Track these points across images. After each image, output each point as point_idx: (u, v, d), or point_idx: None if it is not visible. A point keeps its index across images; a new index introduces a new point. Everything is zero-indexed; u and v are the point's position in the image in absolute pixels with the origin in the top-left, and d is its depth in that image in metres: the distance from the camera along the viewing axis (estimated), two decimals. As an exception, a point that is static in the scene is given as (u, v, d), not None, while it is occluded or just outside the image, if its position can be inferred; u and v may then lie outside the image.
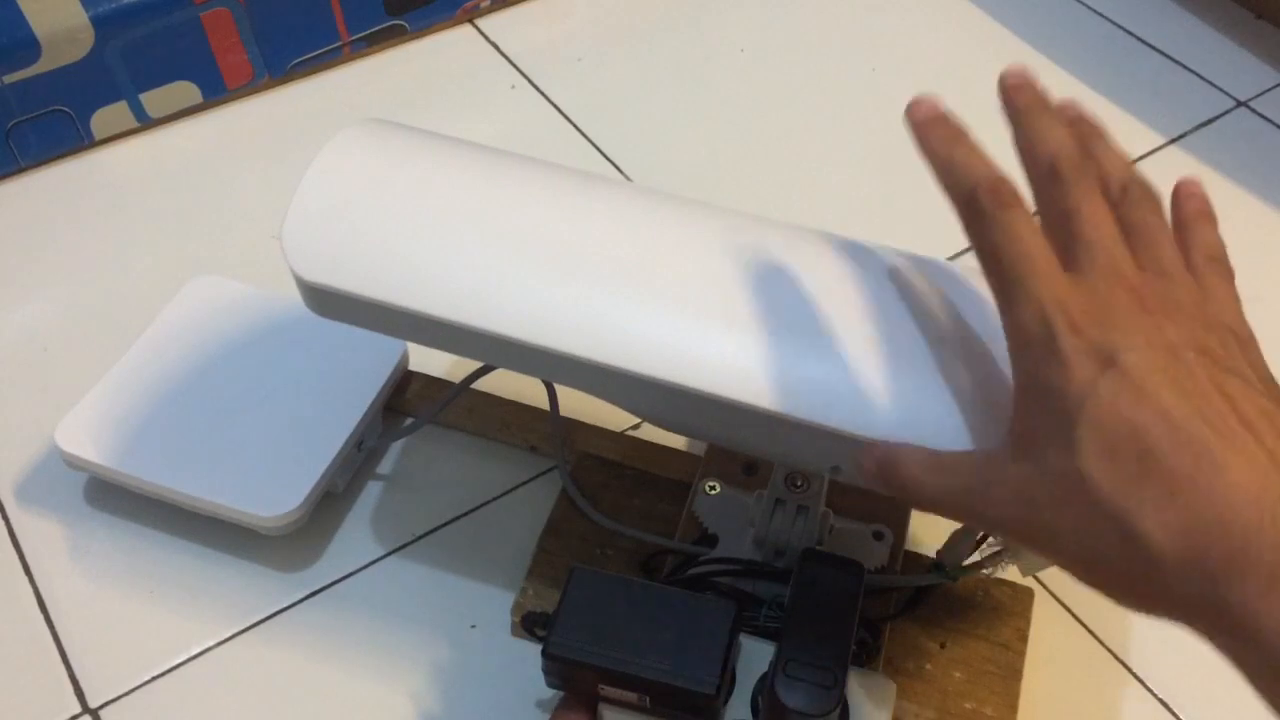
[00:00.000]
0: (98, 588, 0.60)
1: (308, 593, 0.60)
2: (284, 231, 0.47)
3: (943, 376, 0.43)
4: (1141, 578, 0.34)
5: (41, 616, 0.60)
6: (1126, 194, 0.39)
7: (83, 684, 0.57)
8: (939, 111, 0.41)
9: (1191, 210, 0.41)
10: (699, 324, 0.44)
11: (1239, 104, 0.87)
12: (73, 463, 0.61)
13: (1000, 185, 0.38)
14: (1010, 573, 0.55)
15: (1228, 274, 0.40)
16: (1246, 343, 0.37)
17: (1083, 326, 0.35)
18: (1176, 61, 0.90)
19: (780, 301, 0.45)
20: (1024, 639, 0.56)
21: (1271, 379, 0.36)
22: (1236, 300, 0.39)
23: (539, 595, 0.57)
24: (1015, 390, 0.37)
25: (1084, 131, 0.41)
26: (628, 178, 0.82)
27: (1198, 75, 0.89)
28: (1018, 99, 0.42)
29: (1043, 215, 0.39)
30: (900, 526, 0.58)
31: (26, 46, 0.76)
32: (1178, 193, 0.42)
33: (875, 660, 0.53)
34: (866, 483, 0.42)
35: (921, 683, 0.54)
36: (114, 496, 0.63)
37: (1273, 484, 0.32)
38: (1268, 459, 0.33)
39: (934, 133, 0.41)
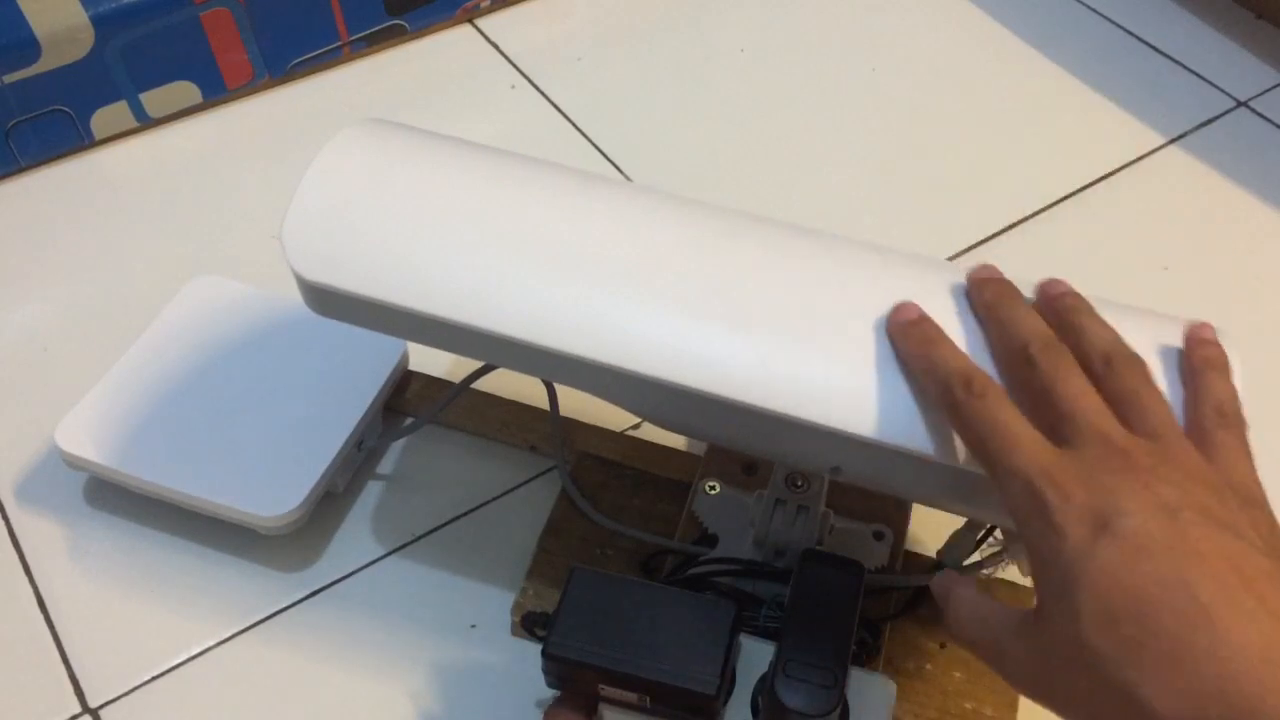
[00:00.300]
0: (98, 588, 0.60)
1: (308, 593, 0.60)
2: (284, 231, 0.47)
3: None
4: None
5: (41, 616, 0.60)
6: (1110, 365, 0.39)
7: (83, 684, 0.57)
8: (917, 314, 0.43)
9: (1202, 358, 0.41)
10: (699, 324, 0.44)
11: (1239, 104, 0.87)
12: (73, 463, 0.61)
13: (974, 375, 0.40)
14: (1010, 572, 0.55)
15: (1238, 428, 0.39)
16: (1253, 500, 0.37)
17: (1073, 493, 0.35)
18: (1176, 61, 0.90)
19: (780, 301, 0.45)
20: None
21: (1278, 538, 0.36)
22: (1247, 456, 0.38)
23: (539, 595, 0.57)
24: (1029, 562, 0.37)
25: (1065, 306, 0.42)
26: (628, 178, 0.82)
27: (1198, 75, 0.89)
28: (984, 293, 0.43)
29: (1027, 400, 0.39)
30: (900, 526, 0.58)
31: (26, 46, 0.76)
32: (1189, 339, 0.42)
33: (875, 660, 0.53)
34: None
35: (921, 683, 0.54)
36: (114, 496, 0.63)
37: (1276, 647, 0.32)
38: (1270, 620, 0.32)
39: (912, 334, 0.42)
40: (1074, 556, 0.34)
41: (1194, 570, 0.33)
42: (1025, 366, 0.40)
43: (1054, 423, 0.38)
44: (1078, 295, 0.42)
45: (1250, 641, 0.32)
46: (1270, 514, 0.37)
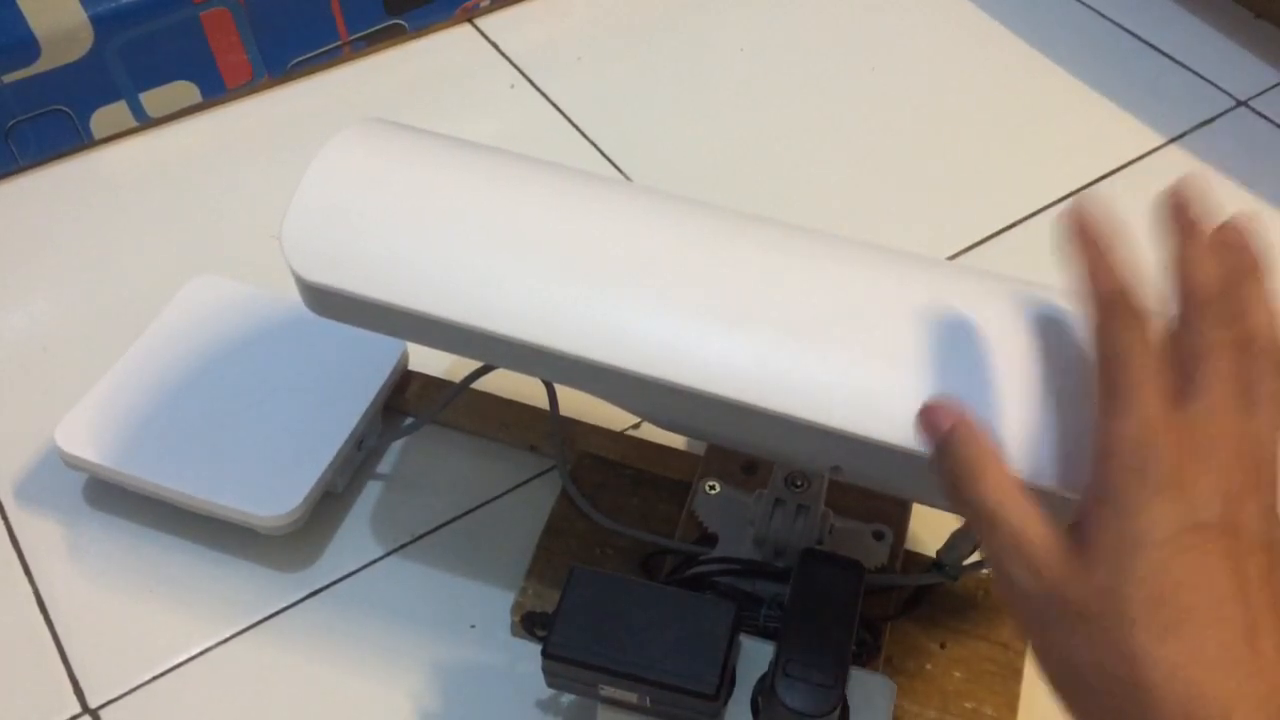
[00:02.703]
0: (98, 588, 0.60)
1: (308, 593, 0.60)
2: (283, 231, 0.47)
3: (943, 377, 0.43)
4: None
5: (41, 616, 0.60)
6: (1260, 352, 0.38)
7: (83, 684, 0.57)
8: (1098, 216, 0.41)
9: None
10: (699, 324, 0.44)
11: (1239, 104, 0.87)
12: (73, 463, 0.61)
13: (1142, 300, 0.39)
14: (1010, 573, 0.55)
15: None
16: None
17: (1178, 465, 0.36)
18: (1176, 61, 0.90)
19: (780, 300, 0.45)
20: (1024, 639, 0.56)
21: None
22: None
23: (539, 595, 0.57)
24: (1088, 492, 0.37)
25: (1241, 264, 0.40)
26: (627, 177, 0.82)
27: (1198, 75, 0.89)
28: (1181, 218, 0.41)
29: (1176, 339, 0.39)
30: (900, 526, 0.58)
31: (26, 46, 0.76)
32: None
33: (875, 660, 0.53)
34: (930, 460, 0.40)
35: (921, 683, 0.54)
36: (114, 496, 0.63)
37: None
38: (1261, 684, 0.33)
39: (1090, 236, 0.41)
40: (1152, 524, 0.35)
41: (1245, 597, 0.34)
42: (1194, 314, 0.39)
43: (1185, 376, 0.37)
44: (1256, 255, 0.41)
45: (1267, 680, 0.33)
46: None
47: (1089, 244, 0.41)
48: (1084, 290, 0.40)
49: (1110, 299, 0.39)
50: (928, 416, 0.40)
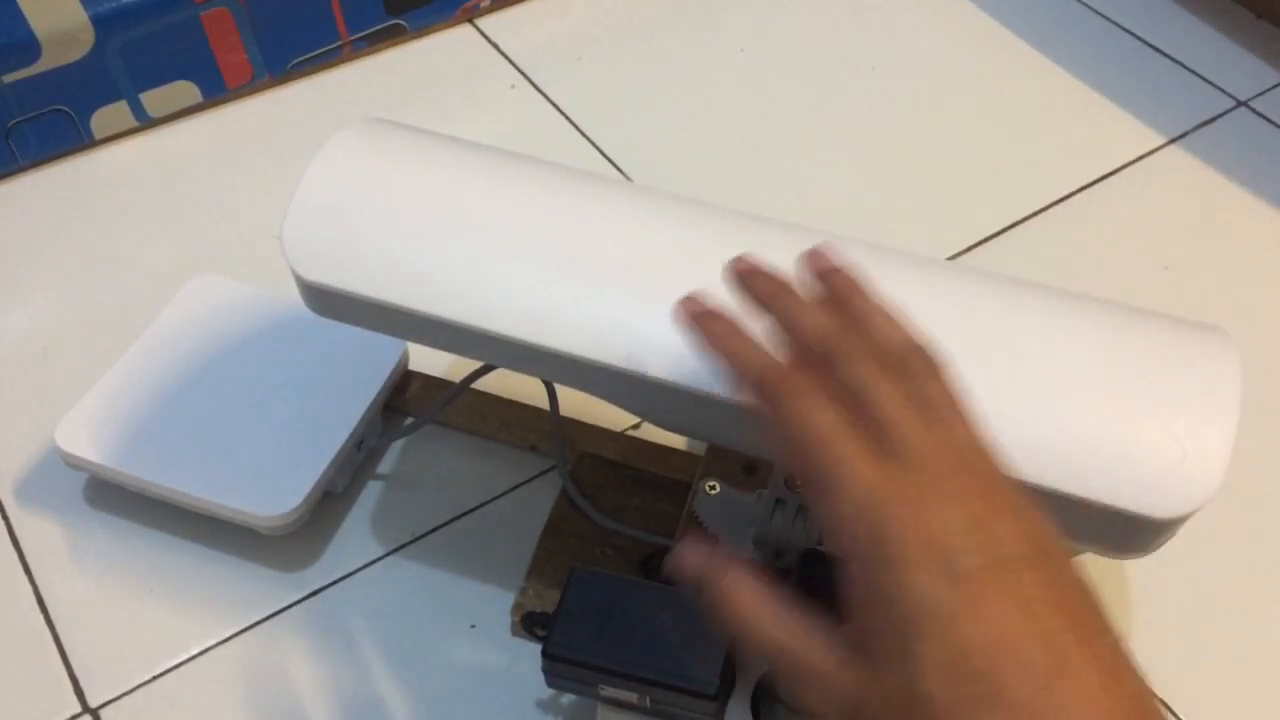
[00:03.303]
0: (98, 588, 0.60)
1: (308, 593, 0.60)
2: (284, 231, 0.47)
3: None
4: None
5: (41, 616, 0.60)
6: (907, 365, 0.36)
7: (83, 684, 0.57)
8: (705, 306, 0.39)
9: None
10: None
11: (1239, 104, 0.87)
12: (73, 463, 0.61)
13: (791, 374, 0.36)
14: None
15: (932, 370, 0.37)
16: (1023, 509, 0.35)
17: (911, 525, 0.33)
18: (1176, 61, 0.90)
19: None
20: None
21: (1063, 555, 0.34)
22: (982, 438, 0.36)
23: (539, 595, 0.57)
24: (847, 587, 0.34)
25: (846, 292, 0.39)
26: (628, 178, 0.82)
27: (1198, 75, 0.89)
28: (757, 287, 0.39)
29: (831, 398, 0.36)
30: (900, 526, 0.57)
31: (26, 46, 0.76)
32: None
33: (875, 660, 0.53)
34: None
35: (921, 683, 0.54)
36: (114, 496, 0.63)
37: (1117, 712, 0.31)
38: (1100, 684, 0.31)
39: (713, 327, 0.39)
40: (917, 601, 0.32)
41: (1035, 628, 0.32)
42: (834, 356, 0.36)
43: (868, 426, 0.35)
44: (849, 274, 0.39)
45: (1092, 711, 0.31)
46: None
47: (719, 330, 0.38)
48: (736, 378, 0.37)
49: (773, 382, 0.36)
50: (693, 572, 0.37)
